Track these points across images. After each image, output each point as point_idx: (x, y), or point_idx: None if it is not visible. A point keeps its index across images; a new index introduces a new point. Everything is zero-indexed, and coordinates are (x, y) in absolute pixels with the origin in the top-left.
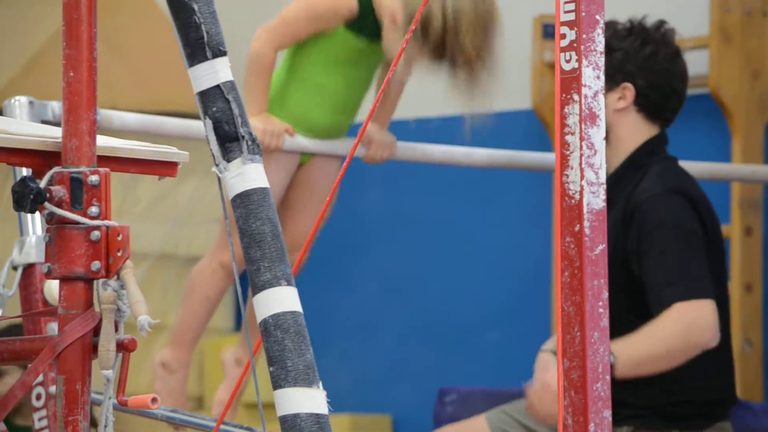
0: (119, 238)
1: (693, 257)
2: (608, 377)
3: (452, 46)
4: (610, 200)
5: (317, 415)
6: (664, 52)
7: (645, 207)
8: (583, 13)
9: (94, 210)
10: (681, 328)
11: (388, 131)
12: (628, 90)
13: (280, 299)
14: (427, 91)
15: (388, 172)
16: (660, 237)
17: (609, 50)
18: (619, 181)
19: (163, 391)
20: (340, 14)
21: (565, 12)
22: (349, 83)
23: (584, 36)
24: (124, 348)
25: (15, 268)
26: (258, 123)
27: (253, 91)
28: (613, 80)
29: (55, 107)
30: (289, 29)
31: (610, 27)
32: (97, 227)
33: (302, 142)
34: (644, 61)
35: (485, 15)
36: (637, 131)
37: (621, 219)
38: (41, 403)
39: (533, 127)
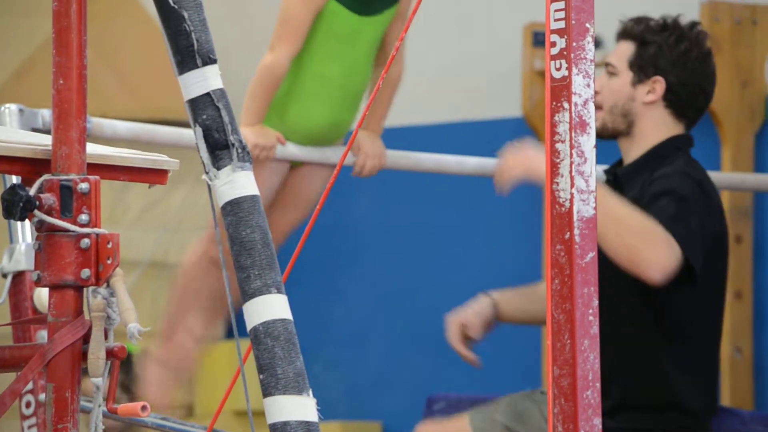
0: (109, 246)
1: (692, 217)
2: (598, 385)
3: None
4: (622, 188)
5: (307, 422)
6: (697, 51)
7: (656, 182)
8: (573, 21)
9: (84, 218)
10: (645, 243)
11: (379, 139)
12: (659, 84)
13: (271, 307)
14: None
15: (378, 181)
16: (663, 202)
17: (642, 43)
18: (638, 170)
19: (160, 388)
20: None
21: (555, 20)
22: (347, 68)
23: (574, 44)
24: (113, 356)
25: (5, 275)
26: (250, 135)
27: (257, 101)
28: (644, 73)
29: (46, 115)
30: (294, 27)
31: (643, 21)
32: (87, 235)
33: (293, 150)
34: (678, 58)
35: None
36: (663, 126)
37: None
38: (31, 410)
39: (524, 135)
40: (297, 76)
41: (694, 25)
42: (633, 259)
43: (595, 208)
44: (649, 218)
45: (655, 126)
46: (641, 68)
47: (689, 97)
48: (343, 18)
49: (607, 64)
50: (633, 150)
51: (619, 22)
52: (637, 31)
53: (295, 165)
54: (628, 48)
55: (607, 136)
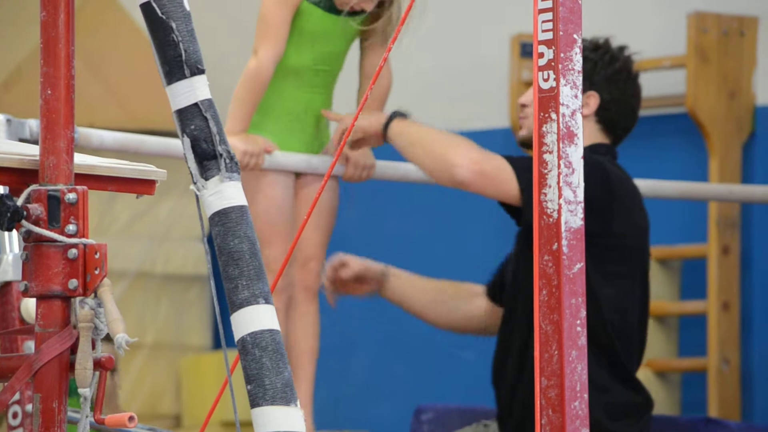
0: (97, 256)
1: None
2: (586, 396)
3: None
4: None
5: None
6: (627, 72)
7: None
8: (561, 32)
9: (71, 228)
10: (448, 148)
11: (369, 150)
12: (593, 98)
13: (258, 317)
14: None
15: (367, 191)
16: None
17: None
18: None
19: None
20: None
21: (543, 31)
22: (319, 59)
23: (562, 55)
24: (101, 366)
25: None
26: (238, 143)
27: (243, 107)
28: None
29: (33, 125)
30: (272, 28)
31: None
32: (75, 245)
33: (281, 160)
34: (612, 75)
35: None
36: (591, 138)
37: None
38: (17, 421)
39: (511, 146)
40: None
41: (623, 48)
42: (440, 166)
43: (582, 219)
44: (451, 133)
45: (585, 138)
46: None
47: (619, 114)
48: (316, 17)
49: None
50: None
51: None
52: None
53: (299, 174)
54: None
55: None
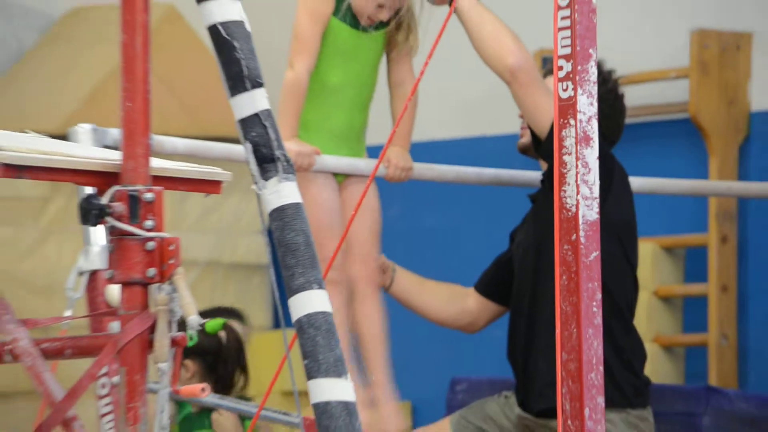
0: (171, 248)
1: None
2: (601, 368)
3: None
4: (547, 191)
5: (346, 402)
6: (615, 93)
7: None
8: (578, 48)
9: (149, 223)
10: (506, 39)
11: (407, 153)
12: None
13: (313, 301)
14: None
15: (406, 191)
16: None
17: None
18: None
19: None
20: (330, 4)
21: (562, 46)
22: (352, 78)
23: (579, 68)
24: (176, 344)
25: (81, 274)
26: (292, 145)
27: (288, 115)
28: None
29: (115, 133)
30: (306, 42)
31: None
32: (152, 238)
33: (329, 162)
34: (604, 94)
35: None
36: None
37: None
38: (105, 391)
39: None
40: (310, 90)
41: (611, 71)
42: (498, 51)
43: (597, 213)
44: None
45: None
46: None
47: (609, 129)
48: (345, 34)
49: None
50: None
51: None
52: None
53: (340, 182)
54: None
55: (531, 154)
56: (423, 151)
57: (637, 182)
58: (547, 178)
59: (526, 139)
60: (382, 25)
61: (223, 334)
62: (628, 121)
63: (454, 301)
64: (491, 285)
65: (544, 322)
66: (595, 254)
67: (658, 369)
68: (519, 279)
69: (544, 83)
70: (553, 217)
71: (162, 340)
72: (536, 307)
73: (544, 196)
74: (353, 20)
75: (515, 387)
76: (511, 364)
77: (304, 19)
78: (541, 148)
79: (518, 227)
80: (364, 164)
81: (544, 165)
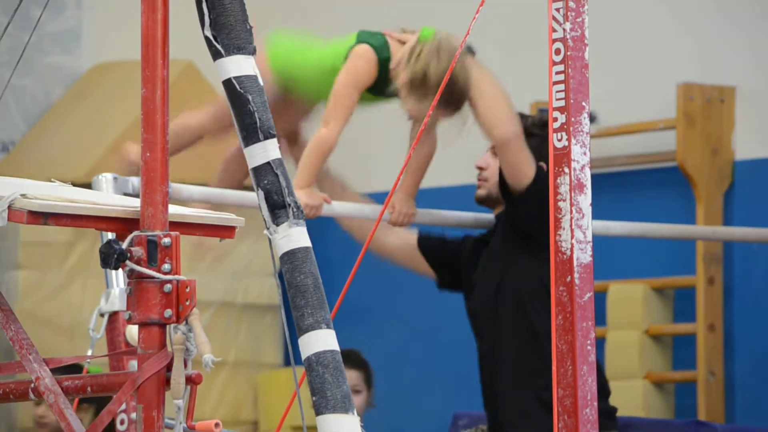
0: (187, 290)
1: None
2: (596, 404)
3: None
4: (493, 232)
5: None
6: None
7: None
8: (572, 100)
9: (166, 267)
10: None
11: (412, 200)
12: (541, 169)
13: (321, 340)
14: (441, 164)
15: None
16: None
17: (528, 135)
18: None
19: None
20: (371, 75)
21: (557, 99)
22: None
23: (573, 119)
24: (192, 381)
25: (102, 315)
26: (303, 196)
27: (309, 168)
28: None
29: (135, 182)
30: (345, 107)
31: (524, 117)
32: (169, 281)
33: (337, 209)
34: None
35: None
36: None
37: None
38: (124, 427)
39: None
40: None
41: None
42: (494, 120)
43: (591, 256)
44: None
45: None
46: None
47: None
48: (364, 97)
49: (494, 147)
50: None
51: (538, 111)
52: (522, 123)
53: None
54: None
55: (488, 204)
56: (426, 197)
57: (628, 226)
58: (506, 216)
59: (484, 191)
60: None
61: None
62: (619, 169)
63: (385, 233)
64: (430, 244)
65: (506, 360)
66: (589, 295)
67: (649, 404)
68: (482, 318)
69: (527, 148)
70: (511, 257)
71: (178, 377)
72: (499, 346)
73: (502, 237)
74: (381, 90)
75: (488, 423)
76: (482, 398)
77: (347, 85)
78: (514, 200)
79: (472, 257)
80: (369, 210)
81: (496, 211)
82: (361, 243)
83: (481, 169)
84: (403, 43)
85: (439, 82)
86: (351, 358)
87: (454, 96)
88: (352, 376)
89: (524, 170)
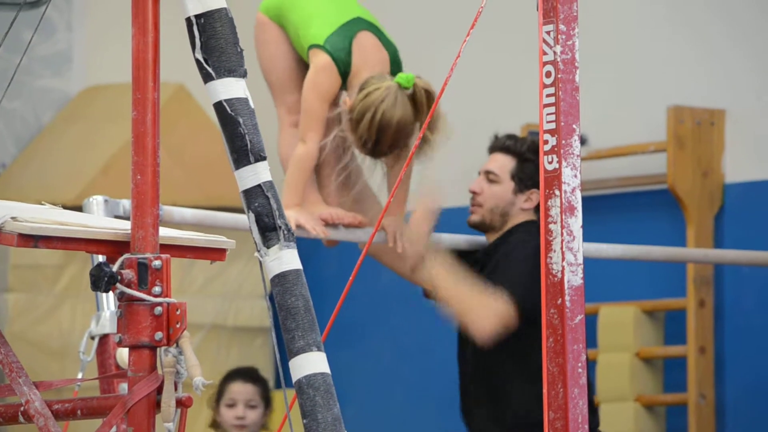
0: (178, 313)
1: (524, 269)
2: (587, 426)
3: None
4: (485, 263)
5: None
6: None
7: (512, 245)
8: (563, 123)
9: (157, 289)
10: (472, 315)
11: (401, 220)
12: (536, 194)
13: (312, 363)
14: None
15: None
16: (516, 255)
17: (522, 160)
18: (496, 247)
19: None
20: (335, 85)
21: (548, 122)
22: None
23: (563, 142)
24: (182, 404)
25: (93, 337)
26: (292, 213)
27: (294, 187)
28: (524, 184)
29: (126, 204)
30: (316, 120)
31: (520, 141)
32: (160, 304)
33: (328, 231)
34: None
35: (404, 124)
36: (526, 217)
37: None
38: None
39: None
40: None
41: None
42: (464, 326)
43: (582, 278)
44: (480, 293)
45: (521, 217)
46: (522, 180)
47: None
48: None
49: (488, 172)
50: (498, 233)
51: (493, 137)
52: (518, 148)
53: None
54: (508, 161)
55: (482, 229)
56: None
57: (619, 249)
58: (484, 255)
59: (477, 217)
60: None
61: None
62: (610, 191)
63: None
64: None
65: (487, 386)
66: (580, 317)
67: (641, 427)
68: (469, 348)
69: (502, 314)
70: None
71: (168, 400)
72: (478, 373)
73: (485, 270)
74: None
75: None
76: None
77: (313, 98)
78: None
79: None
80: (362, 232)
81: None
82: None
83: (474, 193)
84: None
85: (371, 130)
86: (249, 373)
87: (383, 145)
88: (250, 391)
89: (510, 327)
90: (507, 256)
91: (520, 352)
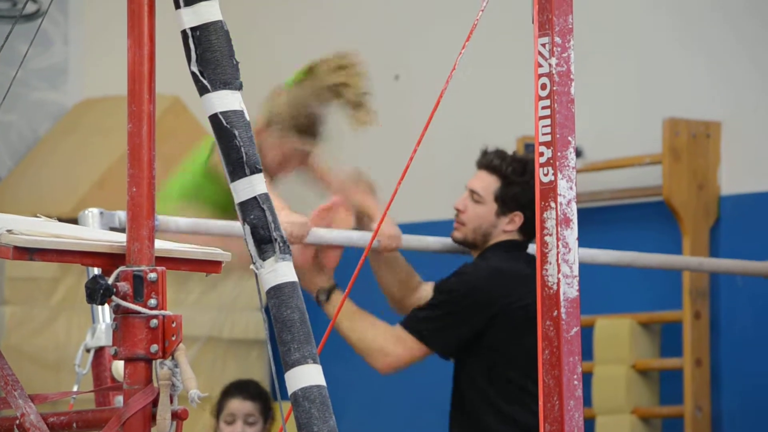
0: (173, 325)
1: (446, 312)
2: None
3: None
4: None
5: None
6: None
7: (459, 270)
8: (558, 135)
9: (152, 302)
10: (382, 341)
11: (395, 224)
12: (518, 217)
13: (308, 375)
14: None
15: None
16: (438, 290)
17: (507, 182)
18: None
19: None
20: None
21: (543, 134)
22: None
23: (559, 154)
24: (177, 417)
25: (88, 350)
26: (283, 216)
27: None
28: (507, 207)
29: (121, 216)
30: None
31: (506, 160)
32: (155, 316)
33: (323, 235)
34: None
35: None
36: (505, 237)
37: None
38: None
39: None
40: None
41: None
42: (365, 358)
43: (578, 290)
44: (386, 328)
45: (502, 237)
46: (505, 203)
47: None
48: None
49: (472, 191)
50: (477, 253)
51: (482, 152)
52: (502, 170)
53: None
54: (493, 182)
55: (465, 245)
56: (417, 230)
57: (614, 255)
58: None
59: (460, 234)
60: None
61: None
62: (606, 204)
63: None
64: None
65: (461, 401)
66: (576, 329)
67: None
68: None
69: (403, 345)
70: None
71: (164, 413)
72: (458, 387)
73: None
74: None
75: None
76: None
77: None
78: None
79: None
80: (357, 236)
81: (474, 253)
82: (386, 291)
83: (458, 211)
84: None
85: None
86: (248, 389)
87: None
88: (248, 408)
89: (421, 357)
90: (443, 282)
91: (474, 378)
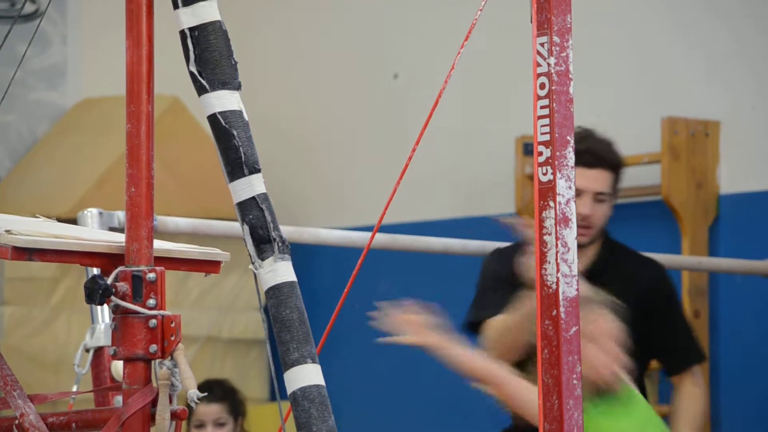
0: (172, 325)
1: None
2: None
3: None
4: (601, 282)
5: None
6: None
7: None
8: (557, 135)
9: (151, 302)
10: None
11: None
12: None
13: (307, 375)
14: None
15: (397, 264)
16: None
17: (617, 172)
18: (609, 261)
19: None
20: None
21: (542, 134)
22: None
23: (558, 153)
24: (176, 417)
25: (87, 350)
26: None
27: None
28: (616, 196)
29: (120, 216)
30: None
31: (611, 149)
32: (154, 316)
33: (324, 236)
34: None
35: None
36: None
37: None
38: None
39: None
40: None
41: None
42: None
43: (577, 290)
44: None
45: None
46: (615, 192)
47: None
48: None
49: (597, 193)
50: (589, 248)
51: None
52: (613, 160)
53: None
54: (609, 176)
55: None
56: (411, 231)
57: None
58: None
59: (587, 239)
60: None
61: None
62: None
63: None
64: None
65: None
66: (575, 328)
67: None
68: None
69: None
70: None
71: (163, 413)
72: None
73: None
74: None
75: None
76: None
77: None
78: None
79: None
80: (356, 236)
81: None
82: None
83: (584, 216)
84: None
85: None
86: (213, 391)
87: None
88: (215, 411)
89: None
90: (669, 297)
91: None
